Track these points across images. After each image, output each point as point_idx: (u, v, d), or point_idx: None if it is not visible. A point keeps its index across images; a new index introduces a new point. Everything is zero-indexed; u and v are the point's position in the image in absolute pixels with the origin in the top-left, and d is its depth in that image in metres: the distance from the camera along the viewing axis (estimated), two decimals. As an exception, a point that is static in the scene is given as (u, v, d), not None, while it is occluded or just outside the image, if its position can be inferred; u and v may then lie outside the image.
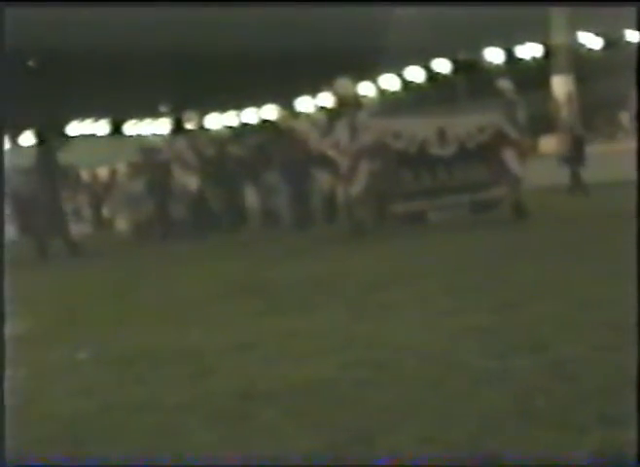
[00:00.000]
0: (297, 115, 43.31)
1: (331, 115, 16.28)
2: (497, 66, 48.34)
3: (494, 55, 49.77)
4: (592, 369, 4.61)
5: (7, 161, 22.11)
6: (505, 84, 15.36)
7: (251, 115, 57.03)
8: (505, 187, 14.76)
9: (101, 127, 56.24)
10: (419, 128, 14.75)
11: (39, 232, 17.04)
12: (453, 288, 7.80)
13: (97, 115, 54.69)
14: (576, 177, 19.51)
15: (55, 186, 17.28)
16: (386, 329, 6.27)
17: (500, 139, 14.78)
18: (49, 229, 16.84)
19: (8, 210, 20.17)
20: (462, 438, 3.78)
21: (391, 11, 44.63)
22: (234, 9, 39.08)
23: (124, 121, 56.65)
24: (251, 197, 20.12)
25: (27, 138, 53.49)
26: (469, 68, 49.74)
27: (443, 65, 51.79)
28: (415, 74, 53.11)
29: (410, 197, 14.40)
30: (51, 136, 18.36)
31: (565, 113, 21.74)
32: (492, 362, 4.96)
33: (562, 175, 19.54)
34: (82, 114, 53.64)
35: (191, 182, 18.93)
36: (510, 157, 14.84)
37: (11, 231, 20.83)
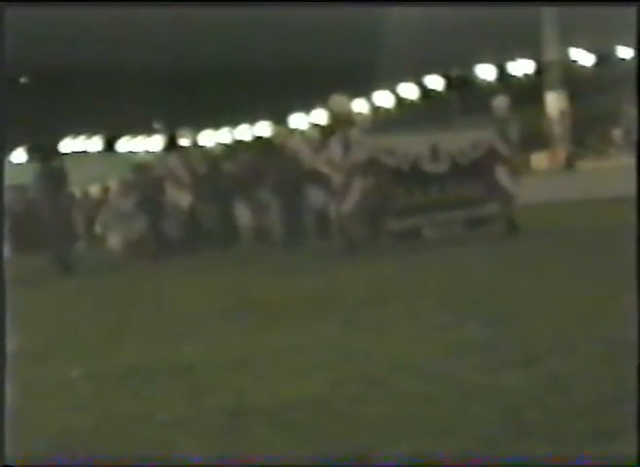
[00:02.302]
0: (290, 132, 43.42)
1: (324, 132, 16.29)
2: (490, 83, 48.49)
3: (486, 72, 49.96)
4: (586, 383, 4.61)
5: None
6: (500, 102, 15.36)
7: (244, 132, 57.13)
8: (498, 203, 14.80)
9: (94, 144, 56.26)
10: (412, 145, 14.78)
11: (58, 248, 16.87)
12: (447, 303, 7.80)
13: (90, 131, 54.73)
14: None
15: (67, 202, 17.24)
16: (380, 344, 6.26)
17: (493, 156, 14.83)
18: (58, 245, 16.73)
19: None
20: (456, 453, 3.78)
21: (383, 26, 44.77)
22: (228, 27, 39.15)
23: (117, 137, 56.71)
24: (243, 213, 20.10)
25: (19, 155, 53.49)
26: (462, 85, 49.90)
27: (436, 82, 51.97)
28: (409, 91, 53.27)
29: (404, 213, 14.41)
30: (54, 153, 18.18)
31: (558, 129, 21.81)
32: (486, 376, 4.95)
33: (556, 191, 19.58)
34: (75, 130, 53.69)
35: (183, 199, 18.91)
36: (502, 174, 14.88)
37: (5, 248, 20.74)
